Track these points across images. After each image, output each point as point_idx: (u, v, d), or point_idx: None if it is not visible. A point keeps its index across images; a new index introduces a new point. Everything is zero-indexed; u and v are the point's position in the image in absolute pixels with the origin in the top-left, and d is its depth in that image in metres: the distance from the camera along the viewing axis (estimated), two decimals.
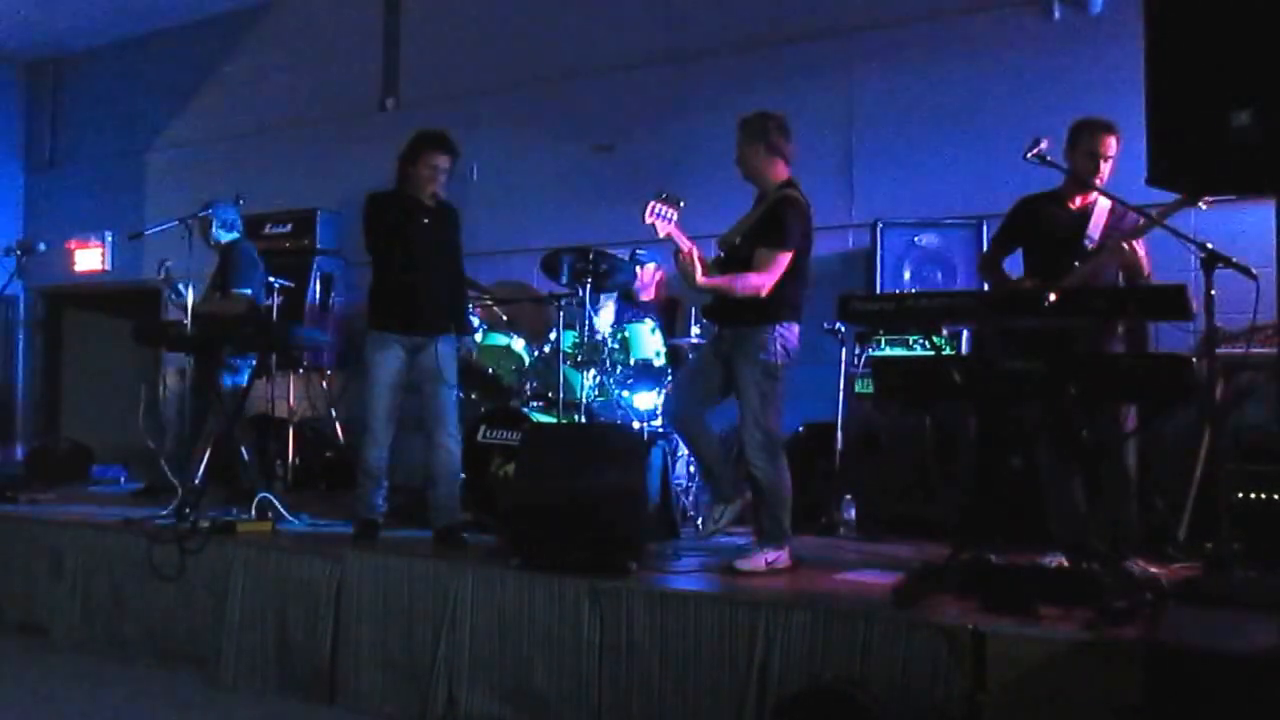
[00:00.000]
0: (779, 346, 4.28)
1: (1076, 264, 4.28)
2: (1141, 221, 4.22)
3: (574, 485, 4.15)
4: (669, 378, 5.61)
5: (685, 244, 4.34)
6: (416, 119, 7.78)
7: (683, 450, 5.71)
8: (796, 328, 4.36)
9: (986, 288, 4.85)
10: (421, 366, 4.91)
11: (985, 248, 4.92)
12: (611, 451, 4.29)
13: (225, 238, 6.34)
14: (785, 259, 4.25)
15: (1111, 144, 4.33)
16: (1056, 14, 5.96)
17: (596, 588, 3.83)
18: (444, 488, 4.92)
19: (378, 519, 4.99)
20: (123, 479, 7.57)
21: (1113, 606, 3.21)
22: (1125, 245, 4.17)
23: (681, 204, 4.41)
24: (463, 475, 5.13)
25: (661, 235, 4.37)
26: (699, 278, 4.32)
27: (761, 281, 4.24)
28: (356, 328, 8.15)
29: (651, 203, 4.36)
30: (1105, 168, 4.34)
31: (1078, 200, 4.44)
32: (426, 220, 4.92)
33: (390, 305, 4.92)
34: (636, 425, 5.39)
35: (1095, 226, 4.34)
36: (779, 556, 4.25)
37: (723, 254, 4.53)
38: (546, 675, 3.87)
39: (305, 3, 8.97)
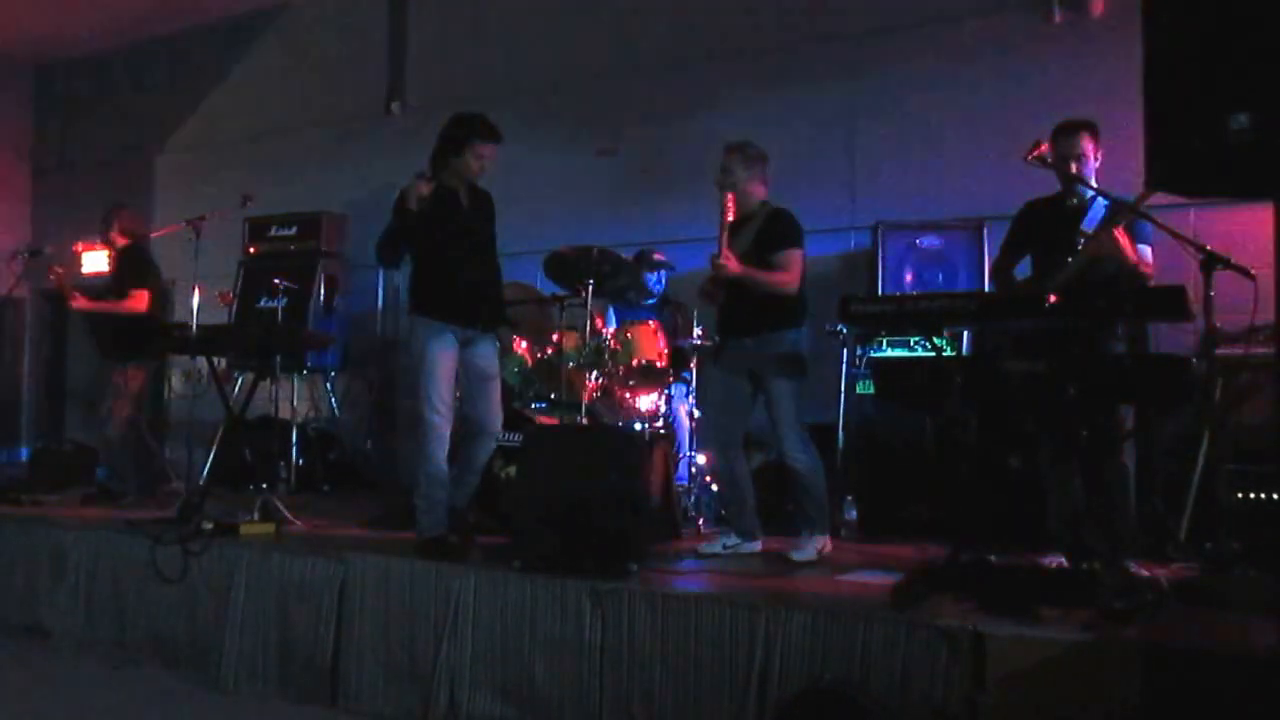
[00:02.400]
0: (803, 346, 4.62)
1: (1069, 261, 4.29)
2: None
3: (576, 487, 4.16)
4: (671, 379, 5.63)
5: (726, 250, 4.56)
6: (422, 122, 7.84)
7: (685, 451, 5.74)
8: (806, 328, 4.67)
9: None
10: (472, 364, 4.76)
11: (995, 254, 4.94)
12: (613, 453, 4.30)
13: (120, 243, 6.71)
14: (801, 256, 4.59)
15: (1079, 143, 4.38)
16: (1057, 17, 5.97)
17: (598, 589, 3.83)
18: (472, 478, 4.85)
19: (448, 536, 4.61)
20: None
21: (1112, 607, 3.21)
22: (1102, 234, 4.19)
23: None
24: None
25: (729, 219, 4.60)
26: (735, 267, 4.54)
27: (791, 278, 4.56)
28: (361, 330, 8.22)
29: (731, 198, 4.63)
30: (1082, 166, 4.37)
31: (1074, 200, 4.46)
32: (465, 207, 4.75)
33: (439, 294, 4.69)
34: (638, 427, 5.40)
35: (1090, 225, 4.35)
36: (825, 541, 4.59)
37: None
38: (548, 677, 3.88)
39: (312, 7, 9.00)
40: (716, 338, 4.92)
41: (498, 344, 4.91)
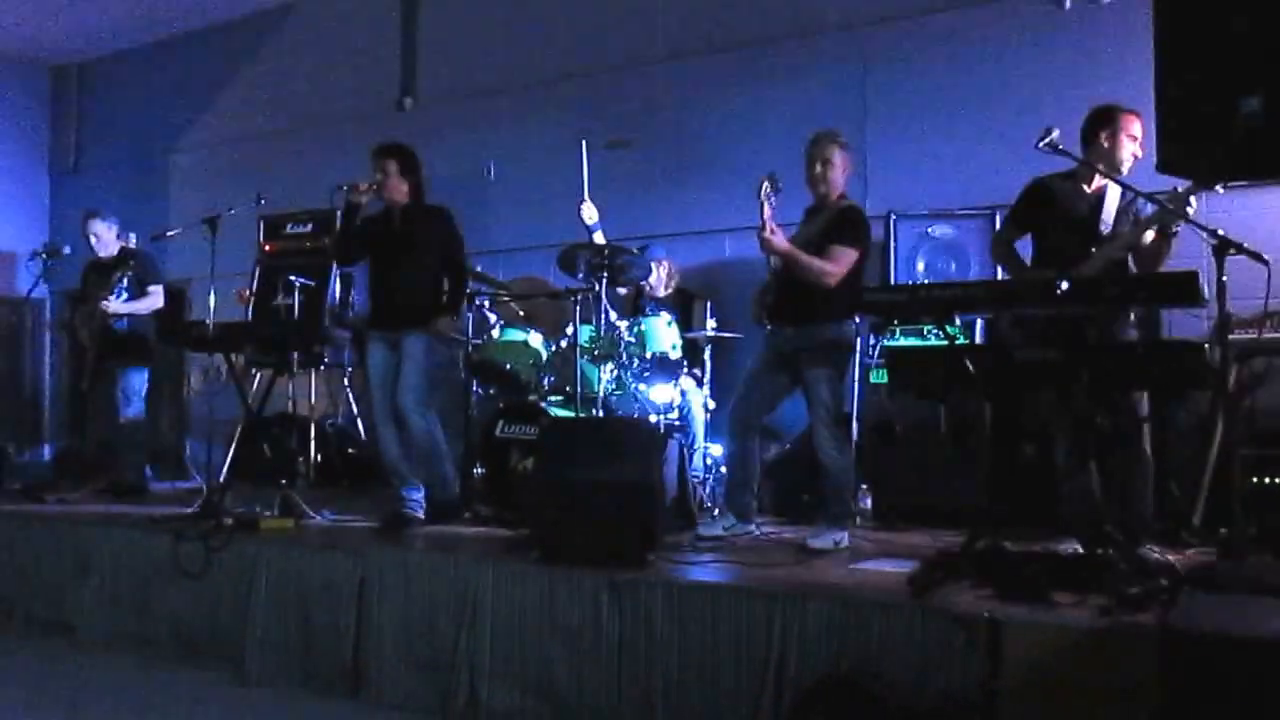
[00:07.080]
0: (846, 341, 4.66)
1: (1094, 250, 4.26)
2: (1150, 210, 4.20)
3: (592, 479, 4.18)
4: (684, 370, 5.64)
5: (769, 224, 4.61)
6: (434, 118, 7.89)
7: (699, 443, 5.75)
8: (855, 324, 4.72)
9: (999, 270, 4.86)
10: (400, 356, 5.19)
11: (998, 229, 4.93)
12: (629, 445, 4.33)
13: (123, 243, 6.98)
14: (854, 256, 4.57)
15: (1139, 128, 4.32)
16: (1067, 3, 5.95)
17: (615, 580, 3.84)
18: (421, 466, 5.21)
19: (402, 512, 5.16)
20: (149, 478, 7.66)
21: (1128, 593, 3.21)
22: (1138, 235, 4.17)
23: (781, 188, 4.68)
24: (480, 470, 5.22)
25: (766, 214, 4.61)
26: (780, 244, 4.58)
27: (832, 270, 4.54)
28: None
29: (765, 183, 4.64)
30: (1138, 154, 4.32)
31: (1093, 184, 4.43)
32: (393, 224, 5.31)
33: (371, 306, 5.44)
34: (653, 418, 5.42)
35: (1109, 211, 4.34)
36: (843, 536, 4.53)
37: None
38: (567, 668, 3.90)
39: (324, 5, 9.03)
40: (767, 323, 4.87)
41: (426, 337, 5.20)
